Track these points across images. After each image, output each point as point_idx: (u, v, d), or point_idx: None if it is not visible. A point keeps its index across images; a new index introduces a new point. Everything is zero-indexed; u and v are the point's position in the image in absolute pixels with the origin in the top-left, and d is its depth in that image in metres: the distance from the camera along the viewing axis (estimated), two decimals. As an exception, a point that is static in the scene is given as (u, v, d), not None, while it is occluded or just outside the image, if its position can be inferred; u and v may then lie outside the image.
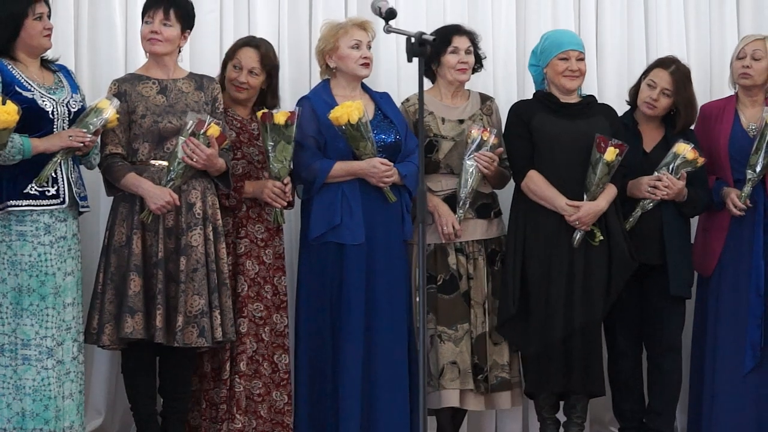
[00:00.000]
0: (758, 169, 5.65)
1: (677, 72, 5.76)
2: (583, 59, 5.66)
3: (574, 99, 5.69)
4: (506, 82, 6.30)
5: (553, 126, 5.60)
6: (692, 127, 5.86)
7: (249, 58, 5.48)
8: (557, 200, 5.54)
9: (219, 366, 5.40)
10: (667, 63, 5.80)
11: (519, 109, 5.72)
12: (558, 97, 5.66)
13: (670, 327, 5.76)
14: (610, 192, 5.57)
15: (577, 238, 5.52)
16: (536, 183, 5.57)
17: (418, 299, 4.07)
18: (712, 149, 5.81)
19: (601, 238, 5.54)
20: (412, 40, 4.16)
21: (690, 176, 5.64)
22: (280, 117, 5.26)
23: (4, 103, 4.80)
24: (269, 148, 5.30)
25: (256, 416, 5.41)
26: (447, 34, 5.65)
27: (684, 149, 5.63)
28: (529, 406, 5.97)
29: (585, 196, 5.53)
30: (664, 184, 5.61)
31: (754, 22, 6.65)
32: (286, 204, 5.41)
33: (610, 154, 5.45)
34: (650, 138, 5.80)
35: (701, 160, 5.65)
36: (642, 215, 5.67)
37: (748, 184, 5.68)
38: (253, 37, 5.63)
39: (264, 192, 5.36)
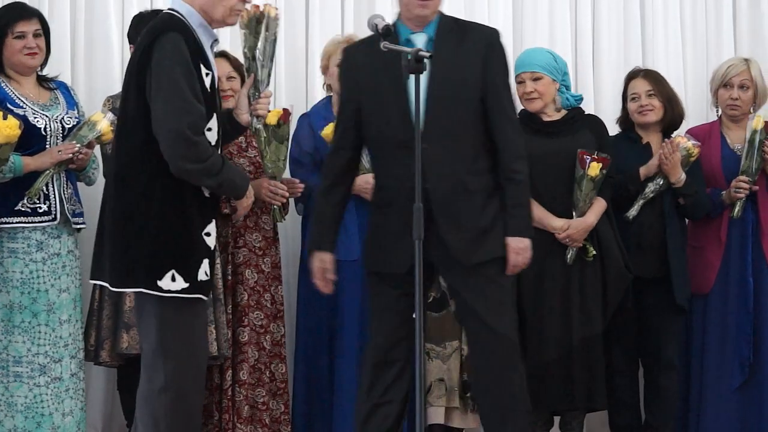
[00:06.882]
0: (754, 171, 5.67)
1: (648, 74, 5.81)
2: (539, 78, 5.53)
3: (557, 115, 5.62)
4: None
5: (536, 146, 5.39)
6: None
7: (222, 67, 5.45)
8: (546, 219, 5.48)
9: (220, 376, 5.40)
10: (635, 72, 5.86)
11: None
12: (540, 117, 5.61)
13: (668, 343, 5.73)
14: (599, 206, 5.51)
15: (571, 255, 5.51)
16: (524, 203, 5.55)
17: (414, 315, 4.04)
18: (705, 169, 5.80)
19: (594, 252, 5.51)
20: (409, 56, 4.12)
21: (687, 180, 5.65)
22: (272, 117, 5.27)
23: (5, 118, 4.82)
24: (263, 148, 5.33)
25: (261, 424, 5.41)
26: None
27: (680, 138, 5.66)
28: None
29: (574, 213, 5.50)
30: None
31: (751, 41, 6.65)
32: (284, 201, 5.41)
33: (594, 169, 5.40)
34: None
35: (696, 150, 5.64)
36: (643, 225, 5.66)
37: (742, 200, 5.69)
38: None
39: (261, 191, 5.38)
